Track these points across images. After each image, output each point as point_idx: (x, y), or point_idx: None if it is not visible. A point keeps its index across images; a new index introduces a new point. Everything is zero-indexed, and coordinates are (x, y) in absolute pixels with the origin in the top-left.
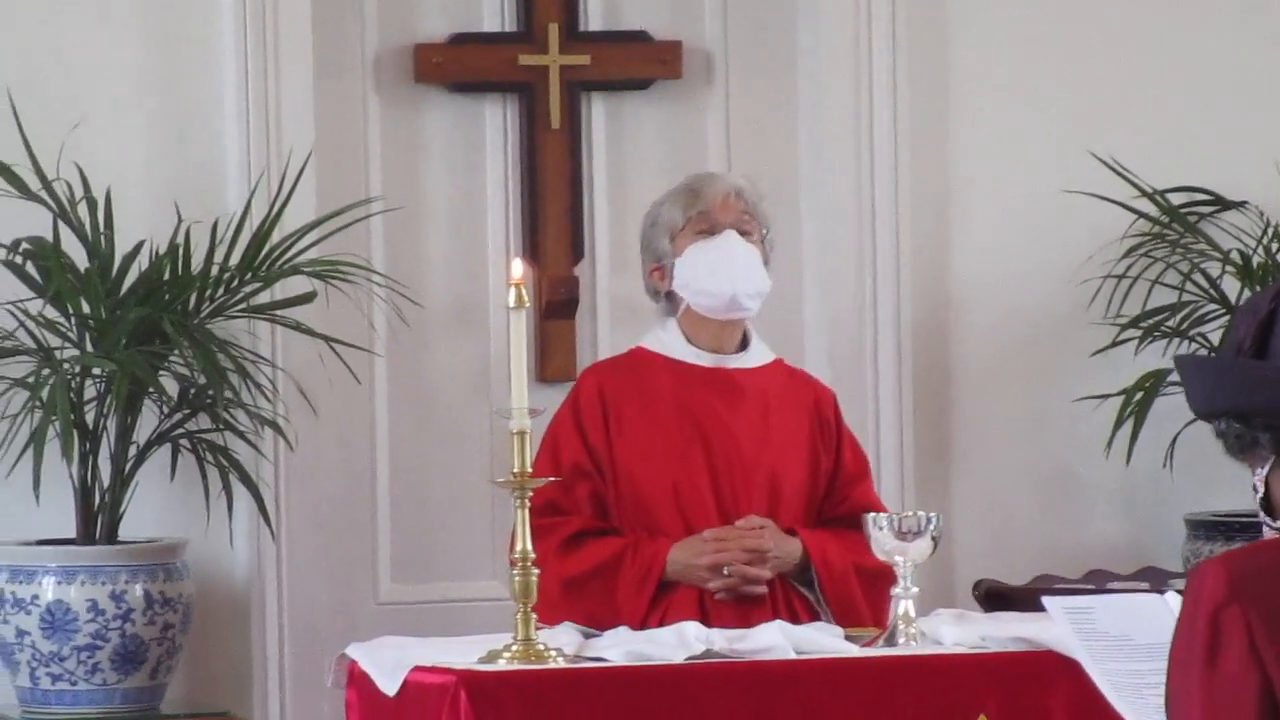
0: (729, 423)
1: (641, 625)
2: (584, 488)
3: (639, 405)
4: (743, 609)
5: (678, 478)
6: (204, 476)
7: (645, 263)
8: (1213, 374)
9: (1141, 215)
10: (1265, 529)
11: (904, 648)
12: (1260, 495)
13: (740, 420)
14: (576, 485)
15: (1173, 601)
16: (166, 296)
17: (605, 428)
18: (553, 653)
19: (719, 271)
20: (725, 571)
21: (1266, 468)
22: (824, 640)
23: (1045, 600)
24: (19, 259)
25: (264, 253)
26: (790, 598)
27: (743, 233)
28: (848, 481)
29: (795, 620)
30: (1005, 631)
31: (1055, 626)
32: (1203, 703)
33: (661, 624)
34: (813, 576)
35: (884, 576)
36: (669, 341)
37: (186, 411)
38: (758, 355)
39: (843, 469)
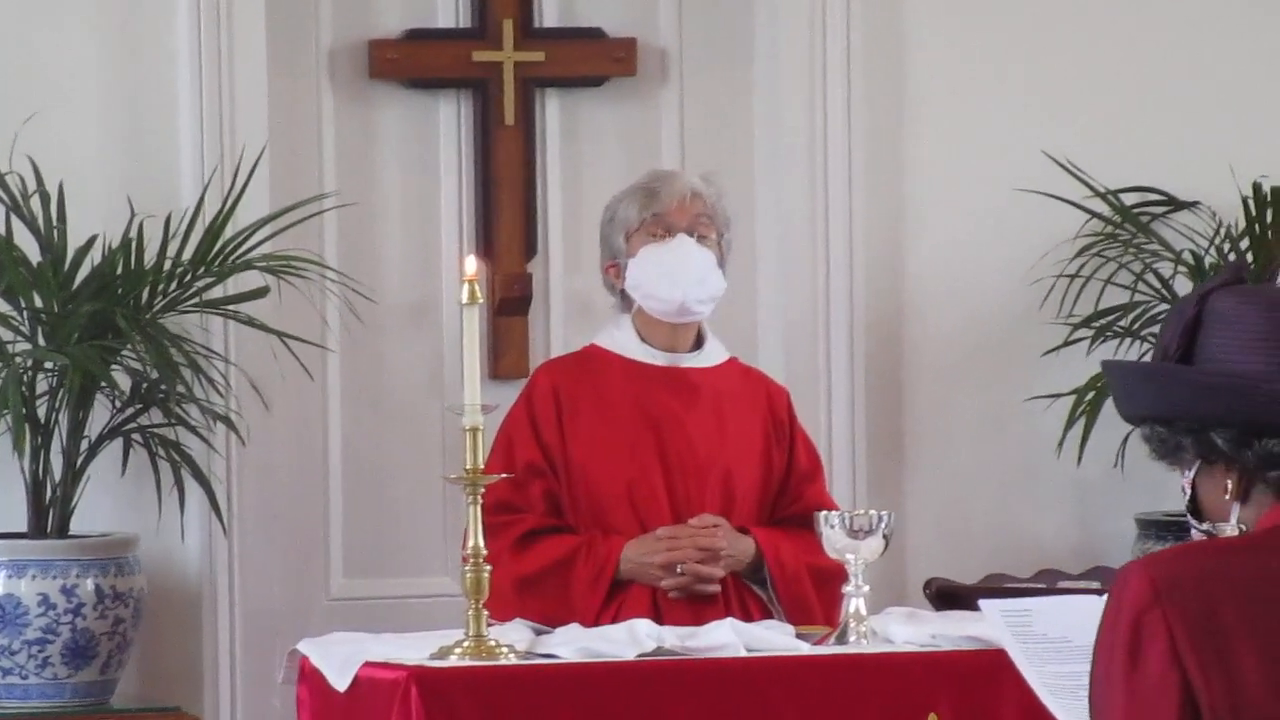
0: (683, 421)
1: (595, 623)
2: (538, 486)
3: (593, 403)
4: (696, 608)
5: (631, 476)
6: (156, 471)
7: (602, 258)
8: (1137, 379)
9: (1094, 215)
10: (1193, 531)
11: (855, 646)
12: (1188, 497)
13: (694, 419)
14: (530, 484)
15: None
16: (119, 291)
17: (559, 426)
18: (504, 649)
19: (670, 276)
20: (678, 570)
21: (1193, 471)
22: (775, 638)
23: (982, 603)
24: None
25: (217, 247)
26: (744, 596)
27: (699, 235)
28: (801, 480)
29: (748, 619)
30: (956, 630)
31: (992, 629)
32: (1124, 707)
33: (615, 622)
34: (766, 575)
35: (837, 576)
36: (623, 340)
37: (139, 406)
38: (712, 354)
39: (796, 468)
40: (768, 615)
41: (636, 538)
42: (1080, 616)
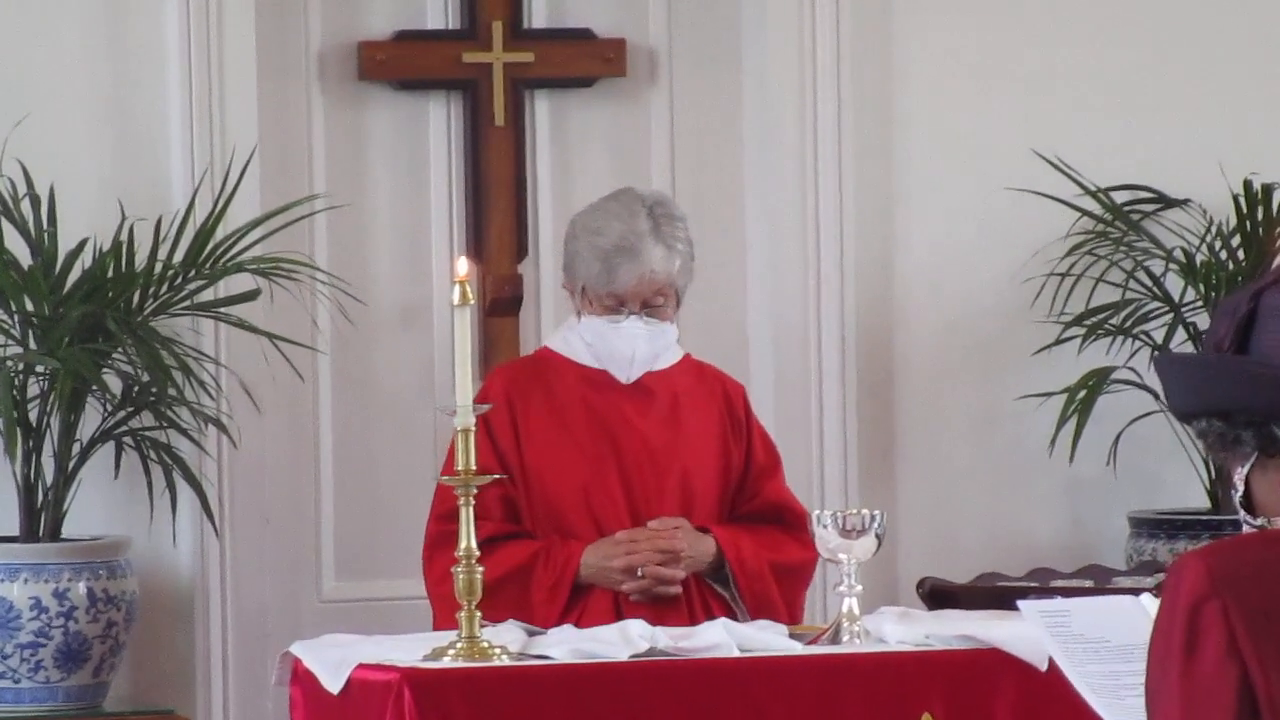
0: (638, 424)
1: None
2: (494, 492)
3: (547, 408)
4: (657, 610)
5: (587, 480)
6: (148, 474)
7: (563, 268)
8: (1196, 372)
9: (1085, 213)
10: (1245, 526)
11: (848, 646)
12: (1240, 494)
13: (649, 421)
14: (487, 490)
15: (1148, 603)
16: (110, 294)
17: (514, 431)
18: (497, 650)
19: (612, 355)
20: (639, 573)
21: (1248, 466)
22: (768, 638)
23: (1021, 605)
24: None
25: (208, 250)
26: (706, 596)
27: (653, 306)
28: (759, 476)
29: (710, 619)
30: (950, 630)
31: (1030, 630)
32: (1181, 698)
33: (576, 628)
34: (728, 574)
35: (799, 571)
36: (576, 344)
37: (130, 409)
38: (668, 356)
39: (754, 463)
40: (730, 614)
41: (596, 542)
42: (1117, 617)
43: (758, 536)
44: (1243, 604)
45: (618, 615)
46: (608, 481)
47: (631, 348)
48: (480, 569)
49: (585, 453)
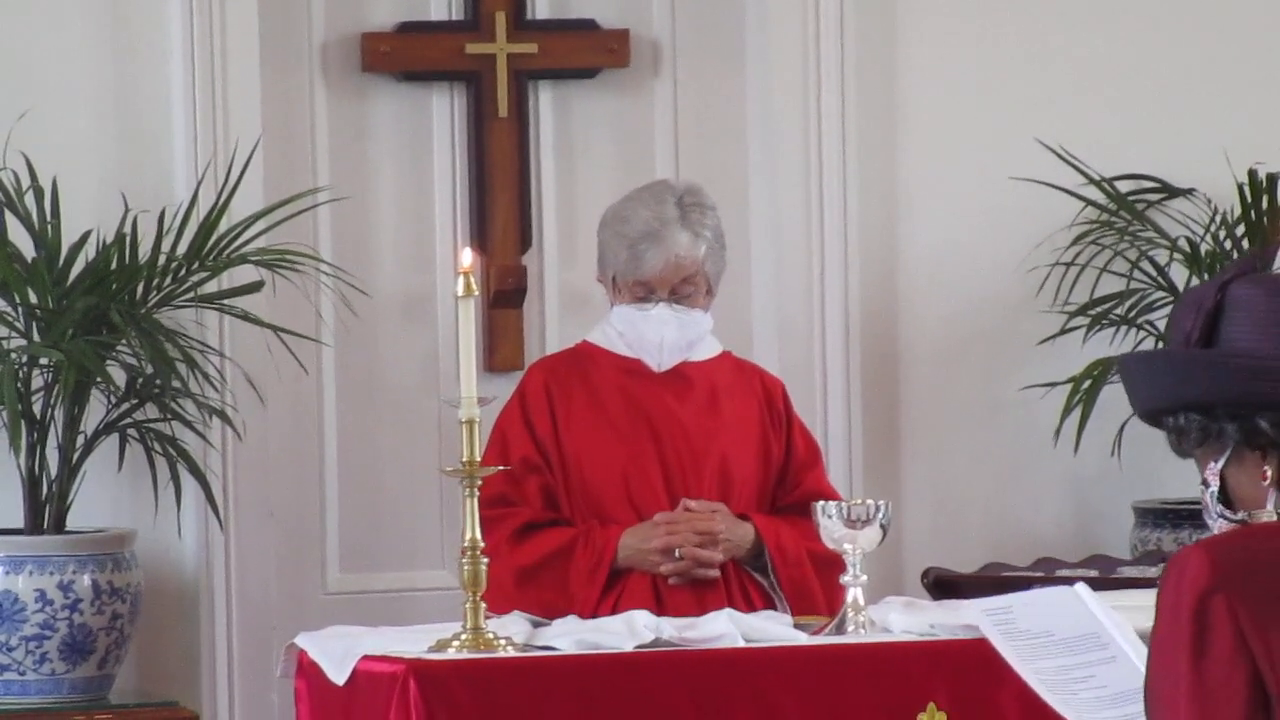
0: (678, 413)
1: (595, 613)
2: (534, 481)
3: (586, 398)
4: (696, 593)
5: (627, 469)
6: (152, 466)
7: (597, 261)
8: (1171, 368)
9: (1089, 203)
10: (1221, 523)
11: (853, 636)
12: (1213, 489)
13: (689, 411)
14: (526, 479)
15: (1083, 593)
16: (114, 286)
17: (552, 421)
18: (502, 641)
19: (641, 341)
20: (676, 554)
21: (1223, 460)
22: (773, 629)
23: (965, 609)
24: None
25: (211, 242)
26: (744, 583)
27: (682, 294)
28: (799, 469)
29: (750, 606)
30: (954, 619)
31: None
32: (1190, 693)
33: (614, 611)
34: (767, 562)
35: (838, 562)
36: (611, 336)
37: (134, 401)
38: (705, 348)
39: (794, 457)
40: (769, 602)
41: (634, 525)
42: (1057, 610)
43: (797, 526)
44: (1247, 596)
45: (656, 598)
46: (647, 468)
47: (660, 334)
48: (485, 561)
49: (624, 439)
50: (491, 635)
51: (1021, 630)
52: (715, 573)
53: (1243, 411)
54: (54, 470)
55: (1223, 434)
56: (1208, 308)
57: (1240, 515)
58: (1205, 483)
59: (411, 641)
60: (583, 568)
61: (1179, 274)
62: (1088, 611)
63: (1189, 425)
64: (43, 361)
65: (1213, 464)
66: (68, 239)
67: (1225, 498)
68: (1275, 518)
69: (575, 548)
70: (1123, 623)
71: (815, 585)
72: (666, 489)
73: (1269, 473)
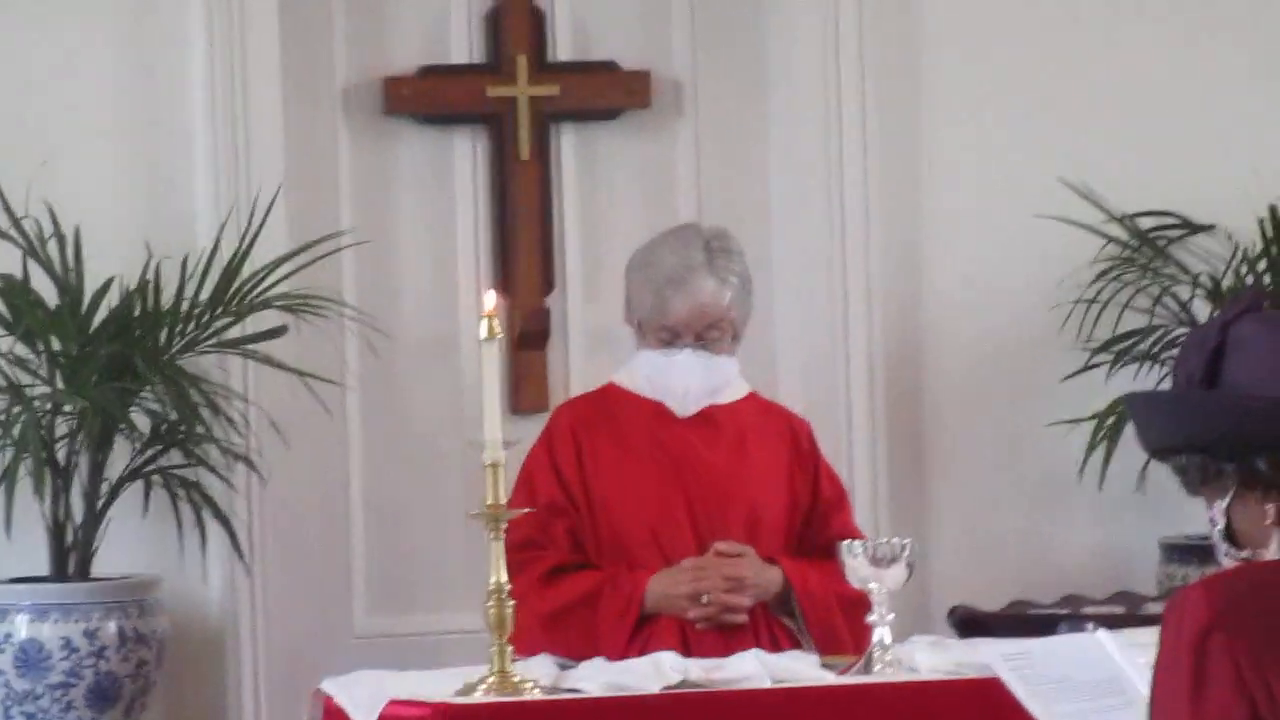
0: (705, 457)
1: (623, 657)
2: (560, 525)
3: (613, 441)
4: (724, 638)
5: (655, 513)
6: (177, 512)
7: (624, 303)
8: (1172, 408)
9: (1111, 239)
10: (1227, 560)
11: (880, 675)
12: (1220, 527)
13: (717, 454)
14: (553, 522)
15: (1104, 639)
16: (137, 333)
17: (579, 464)
18: (529, 684)
19: (667, 388)
20: (704, 600)
21: (1227, 499)
22: (800, 669)
23: (983, 652)
24: None
25: (234, 287)
26: (772, 627)
27: (708, 340)
28: (826, 511)
29: (777, 649)
30: (981, 658)
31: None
32: None
33: (643, 654)
34: (794, 606)
35: (866, 603)
36: (638, 378)
37: (158, 447)
38: (732, 390)
39: (821, 499)
40: (796, 645)
41: (662, 570)
42: (1076, 655)
43: (824, 569)
44: (1246, 635)
45: (684, 643)
46: (675, 513)
47: (685, 381)
48: (511, 603)
49: (652, 484)
50: (519, 678)
51: (1040, 675)
52: (743, 618)
53: (1240, 452)
54: (79, 517)
55: (1222, 474)
56: (1210, 347)
57: (1245, 553)
58: (1212, 520)
59: (438, 685)
60: (611, 612)
61: (1201, 310)
62: (1109, 657)
63: (1190, 465)
64: (67, 409)
65: (1218, 503)
66: (91, 286)
67: (1232, 535)
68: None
69: (603, 592)
70: (1144, 667)
71: (843, 628)
72: (694, 534)
73: (1271, 512)
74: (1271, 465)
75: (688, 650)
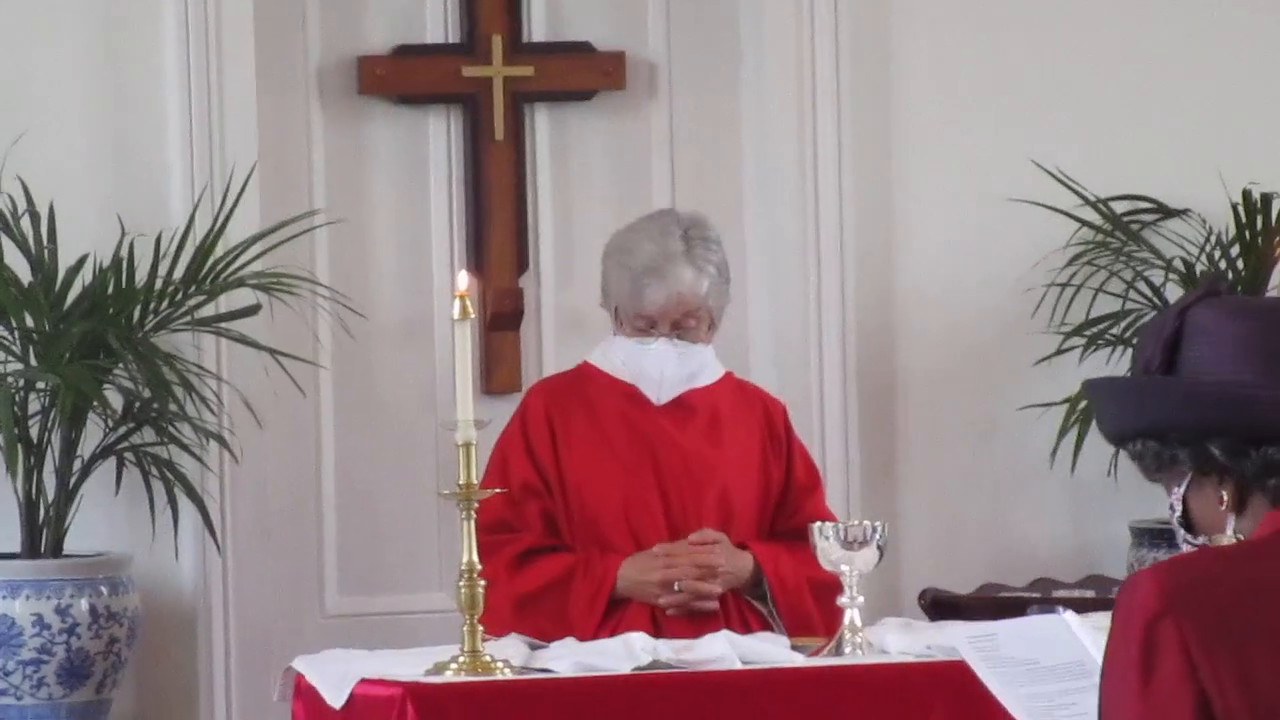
0: (678, 440)
1: (593, 640)
2: (534, 506)
3: (587, 423)
4: (695, 624)
5: (627, 494)
6: (149, 490)
7: (600, 288)
8: (1128, 394)
9: (1085, 224)
10: (1185, 546)
11: (850, 657)
12: (1179, 514)
13: (690, 437)
14: (526, 504)
15: (1071, 621)
16: (110, 310)
17: (553, 446)
18: (499, 664)
19: (642, 374)
20: (676, 587)
21: (1184, 485)
22: (770, 650)
23: (949, 634)
24: None
25: (208, 266)
26: (744, 611)
27: (684, 328)
28: (799, 494)
29: (748, 632)
30: (951, 640)
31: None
32: (1138, 715)
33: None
34: (766, 590)
35: (837, 587)
36: (614, 360)
37: (131, 425)
38: (707, 375)
39: (794, 481)
40: (767, 629)
41: (633, 555)
42: (1043, 638)
43: (796, 553)
44: (1196, 620)
45: (655, 628)
46: (647, 496)
47: (660, 370)
48: (483, 584)
49: (625, 467)
50: (489, 658)
51: (1005, 657)
52: (714, 605)
53: (1194, 438)
54: (51, 494)
55: (1176, 460)
56: (1167, 334)
57: (1200, 539)
58: (1171, 507)
59: (409, 664)
60: (582, 596)
61: (1174, 294)
62: (1075, 639)
63: (1146, 451)
64: (39, 386)
65: (1175, 489)
66: (64, 263)
67: (1189, 522)
68: (1236, 540)
69: (575, 576)
70: None
71: (815, 613)
72: (666, 518)
73: (1225, 498)
74: (1224, 450)
75: (659, 634)
